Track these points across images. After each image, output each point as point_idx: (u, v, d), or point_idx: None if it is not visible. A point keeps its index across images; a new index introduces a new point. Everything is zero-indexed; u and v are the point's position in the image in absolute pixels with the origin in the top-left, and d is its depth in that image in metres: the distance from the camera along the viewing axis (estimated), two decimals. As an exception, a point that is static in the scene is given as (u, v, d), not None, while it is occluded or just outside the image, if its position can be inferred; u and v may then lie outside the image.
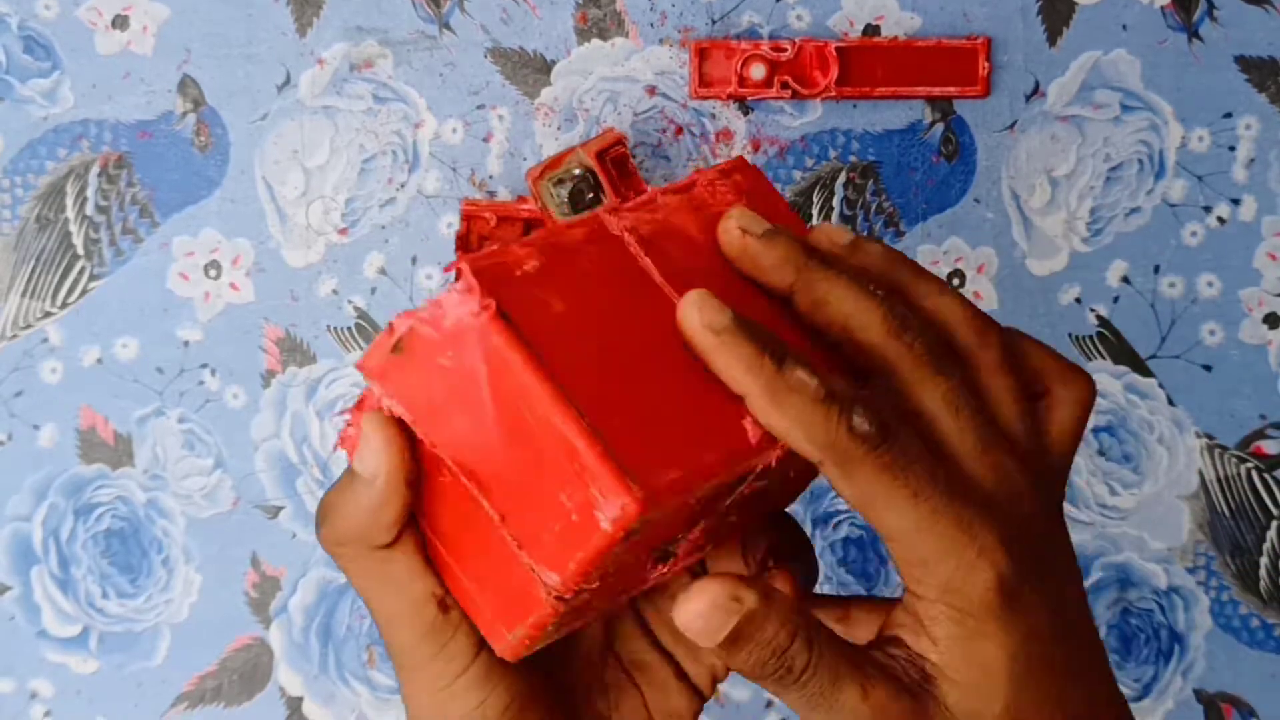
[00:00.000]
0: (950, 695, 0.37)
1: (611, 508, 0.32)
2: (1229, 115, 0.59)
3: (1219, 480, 0.60)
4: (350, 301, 0.60)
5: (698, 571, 0.41)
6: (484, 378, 0.33)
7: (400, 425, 0.35)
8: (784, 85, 0.58)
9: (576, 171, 0.57)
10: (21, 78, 0.60)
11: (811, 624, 0.36)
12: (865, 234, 0.59)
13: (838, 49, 0.58)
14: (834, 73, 0.58)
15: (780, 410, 0.35)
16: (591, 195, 0.57)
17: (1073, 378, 0.40)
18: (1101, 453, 0.60)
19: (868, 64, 0.59)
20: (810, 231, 0.39)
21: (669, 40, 0.59)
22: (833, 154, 0.59)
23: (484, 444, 0.34)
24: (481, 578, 0.36)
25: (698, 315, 0.35)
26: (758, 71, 0.58)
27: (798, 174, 0.59)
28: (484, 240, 0.59)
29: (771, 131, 0.59)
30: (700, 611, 0.35)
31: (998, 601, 0.36)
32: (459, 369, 0.33)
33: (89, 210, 0.60)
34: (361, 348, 0.60)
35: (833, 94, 0.58)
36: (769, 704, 0.60)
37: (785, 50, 0.58)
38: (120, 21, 0.60)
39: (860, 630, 0.41)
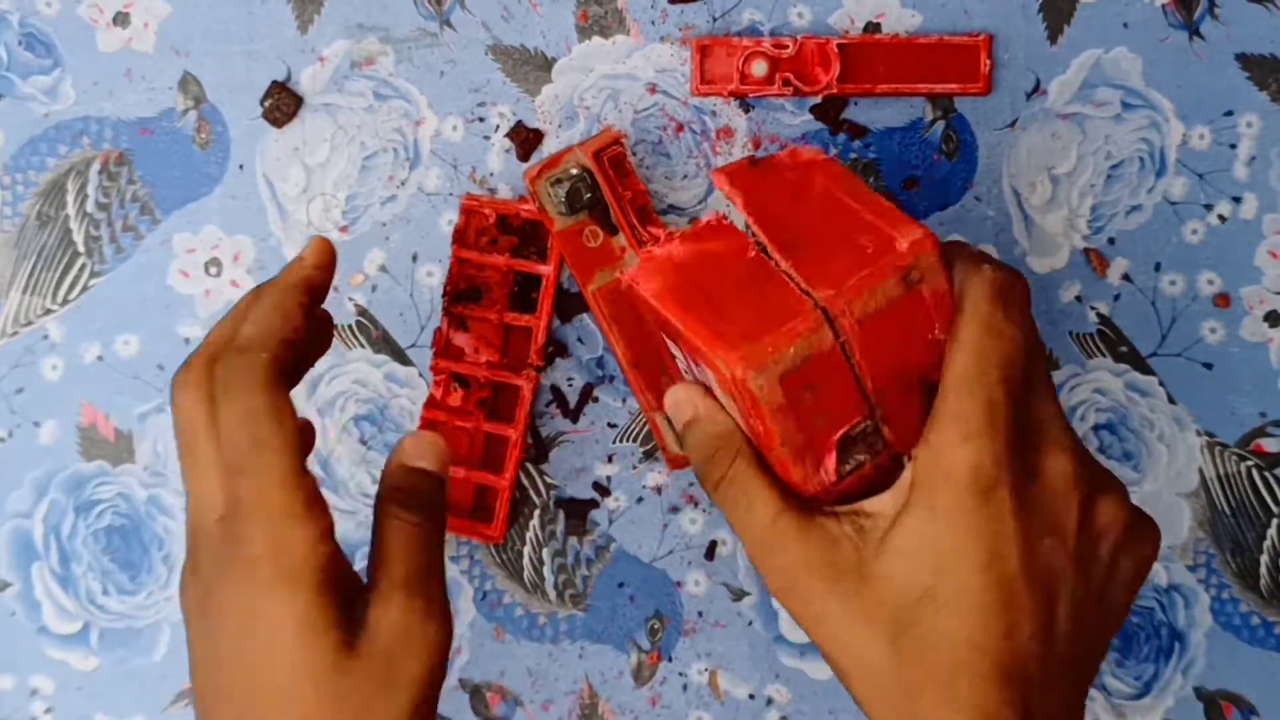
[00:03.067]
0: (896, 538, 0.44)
1: (909, 236, 0.44)
2: (1230, 113, 0.59)
3: (1219, 478, 0.60)
4: (351, 299, 0.60)
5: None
6: (818, 184, 0.47)
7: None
8: (785, 82, 0.58)
9: (574, 171, 0.57)
10: (23, 74, 0.60)
11: (743, 449, 0.46)
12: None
13: (839, 46, 0.58)
14: (835, 69, 0.58)
15: None
16: (589, 195, 0.57)
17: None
18: (1102, 450, 0.60)
19: (869, 61, 0.59)
20: None
21: (670, 37, 0.59)
22: (833, 151, 0.59)
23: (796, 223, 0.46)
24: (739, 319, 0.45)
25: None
26: (759, 68, 0.58)
27: (798, 171, 0.59)
28: (480, 235, 0.59)
29: (772, 129, 0.59)
30: (675, 401, 0.48)
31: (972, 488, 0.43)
32: (797, 180, 0.48)
33: (90, 207, 0.60)
34: (363, 345, 0.60)
35: (834, 91, 0.58)
36: (769, 701, 0.60)
37: (787, 47, 0.58)
38: (121, 19, 0.60)
39: None
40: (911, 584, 0.42)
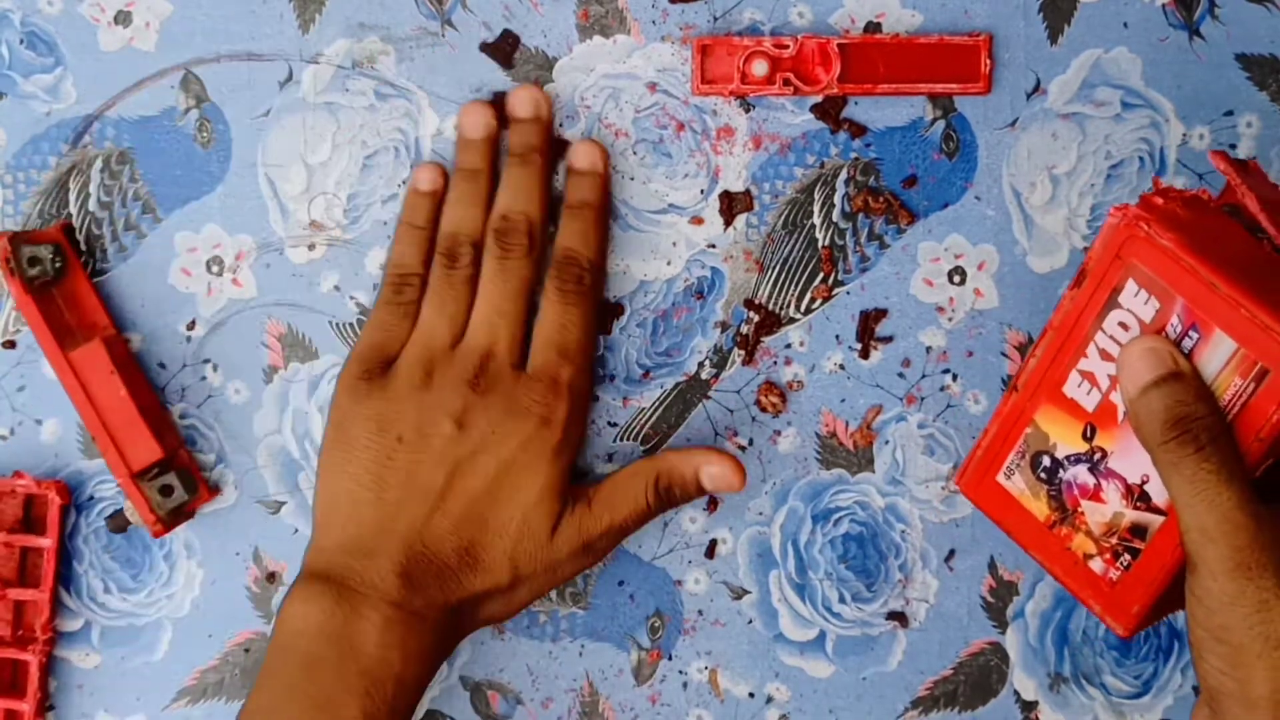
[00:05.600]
0: None
1: None
2: (1230, 113, 0.59)
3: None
4: (352, 297, 0.60)
5: None
6: None
7: None
8: (786, 82, 0.58)
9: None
10: (24, 73, 0.60)
11: (1224, 422, 0.44)
12: (865, 231, 0.60)
13: (839, 45, 0.58)
14: (836, 69, 0.58)
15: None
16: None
17: None
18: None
19: (870, 60, 0.59)
20: None
21: (670, 37, 0.59)
22: (834, 151, 0.59)
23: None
24: None
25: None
26: (760, 68, 0.58)
27: (799, 171, 0.59)
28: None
29: (773, 129, 0.59)
30: (1139, 352, 0.45)
31: None
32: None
33: (92, 206, 0.60)
34: (363, 343, 0.60)
35: (835, 91, 0.59)
36: (769, 700, 0.60)
37: (787, 47, 0.58)
38: (123, 18, 0.60)
39: None
40: None
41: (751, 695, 0.60)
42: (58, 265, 0.58)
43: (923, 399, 0.60)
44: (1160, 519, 0.47)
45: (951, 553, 0.60)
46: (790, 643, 0.60)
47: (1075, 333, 0.48)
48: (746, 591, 0.60)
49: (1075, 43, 0.59)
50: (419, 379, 0.55)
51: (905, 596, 0.60)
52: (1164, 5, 0.59)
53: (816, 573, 0.60)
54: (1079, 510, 0.49)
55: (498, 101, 0.59)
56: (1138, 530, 0.47)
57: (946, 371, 0.60)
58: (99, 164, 0.60)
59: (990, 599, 0.60)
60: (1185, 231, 0.45)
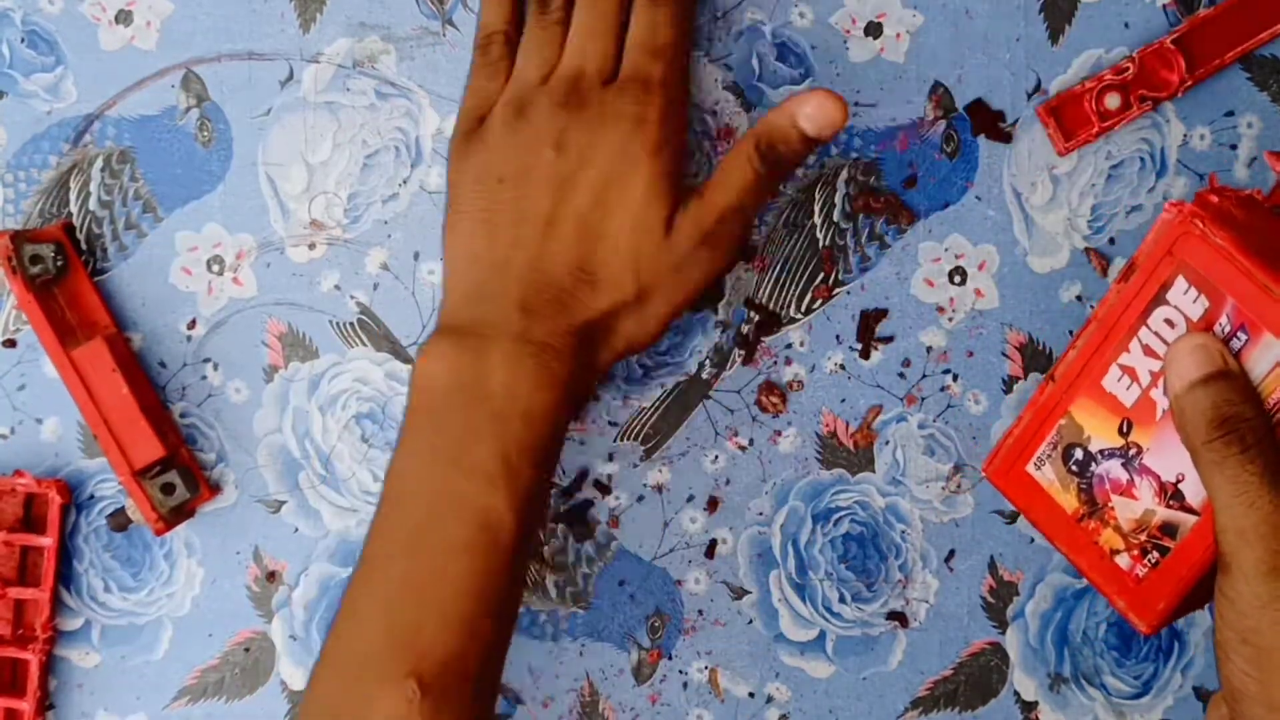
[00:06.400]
0: None
1: None
2: (1230, 114, 0.59)
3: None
4: (353, 297, 0.60)
5: None
6: None
7: None
8: (1142, 99, 0.58)
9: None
10: (25, 72, 0.60)
11: (1270, 424, 0.44)
12: (865, 231, 0.60)
13: (1174, 42, 0.58)
14: (1181, 65, 0.58)
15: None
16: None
17: None
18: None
19: (1207, 39, 0.58)
20: None
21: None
22: (835, 151, 0.59)
23: None
24: None
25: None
26: (1113, 101, 0.58)
27: (800, 171, 0.59)
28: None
29: (773, 128, 0.59)
30: (1189, 348, 0.45)
31: None
32: None
33: (92, 205, 0.60)
34: (364, 343, 0.60)
35: (1190, 83, 0.58)
36: (769, 700, 0.60)
37: (1127, 69, 0.58)
38: (124, 17, 0.60)
39: None
40: None
41: (751, 695, 0.61)
42: (59, 264, 0.58)
43: (923, 399, 0.60)
44: (1193, 519, 0.47)
45: (951, 553, 0.60)
46: (790, 643, 0.60)
47: (1119, 326, 0.48)
48: (747, 591, 0.60)
49: (1076, 43, 0.59)
50: (511, 119, 0.55)
51: (905, 596, 0.60)
52: (1164, 5, 0.59)
53: (817, 573, 0.60)
54: (1109, 505, 0.49)
55: None
56: (1168, 529, 0.47)
57: (947, 372, 0.60)
58: (100, 163, 0.60)
59: (990, 599, 0.60)
60: (1240, 231, 0.45)
